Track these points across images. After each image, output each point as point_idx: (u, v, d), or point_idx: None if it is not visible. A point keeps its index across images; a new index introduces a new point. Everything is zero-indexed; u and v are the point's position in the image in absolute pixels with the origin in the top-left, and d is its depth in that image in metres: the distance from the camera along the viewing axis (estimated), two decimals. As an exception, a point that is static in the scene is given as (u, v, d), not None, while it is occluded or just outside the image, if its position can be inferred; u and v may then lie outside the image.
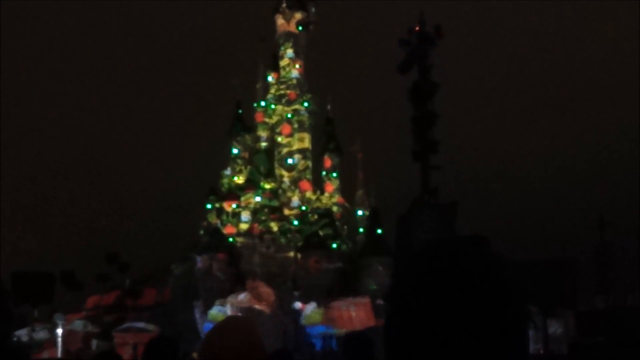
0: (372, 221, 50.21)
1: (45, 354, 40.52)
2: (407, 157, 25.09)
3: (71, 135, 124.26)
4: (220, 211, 52.81)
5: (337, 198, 55.18)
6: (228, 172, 55.52)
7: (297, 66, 57.17)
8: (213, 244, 47.92)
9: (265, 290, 44.77)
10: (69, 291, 46.63)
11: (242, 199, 53.03)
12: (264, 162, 54.73)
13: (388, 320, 1.32)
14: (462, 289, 1.28)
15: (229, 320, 3.29)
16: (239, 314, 40.54)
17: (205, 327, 39.98)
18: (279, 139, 56.32)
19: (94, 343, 42.42)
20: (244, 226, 51.99)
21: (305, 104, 56.00)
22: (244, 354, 2.97)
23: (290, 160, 55.50)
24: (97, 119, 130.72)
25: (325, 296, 45.06)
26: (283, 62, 57.24)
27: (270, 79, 57.53)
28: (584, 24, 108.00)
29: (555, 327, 40.00)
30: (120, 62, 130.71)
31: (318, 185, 55.81)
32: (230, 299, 43.87)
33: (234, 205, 52.74)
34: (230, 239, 49.71)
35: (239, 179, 54.44)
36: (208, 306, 44.01)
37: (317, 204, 53.62)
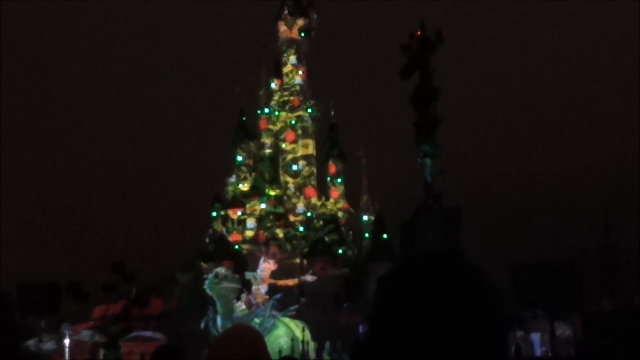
0: (377, 226, 50.16)
1: (52, 365, 40.57)
2: (411, 162, 25.11)
3: (75, 145, 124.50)
4: (225, 219, 52.87)
5: (342, 204, 55.21)
6: (233, 179, 55.59)
7: (300, 72, 57.28)
8: (219, 251, 47.93)
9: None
10: (75, 301, 46.66)
11: (247, 206, 53.08)
12: (269, 169, 54.78)
13: (373, 335, 1.35)
14: (442, 302, 1.31)
15: (233, 329, 3.31)
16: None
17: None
18: (283, 145, 56.40)
19: (101, 353, 42.42)
20: (249, 233, 52.05)
21: (309, 111, 56.10)
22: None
23: (294, 167, 55.57)
24: (100, 129, 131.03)
25: (331, 302, 45.03)
26: (286, 69, 57.33)
27: (273, 85, 57.64)
28: (586, 28, 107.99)
29: (562, 330, 39.92)
30: (122, 71, 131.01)
31: (323, 191, 55.84)
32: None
33: (239, 213, 52.80)
34: (236, 247, 49.74)
35: (244, 187, 54.49)
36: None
37: (322, 210, 53.65)
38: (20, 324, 38.99)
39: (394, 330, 1.32)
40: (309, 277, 47.10)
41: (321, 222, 51.95)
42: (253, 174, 55.03)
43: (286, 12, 57.09)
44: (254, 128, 57.17)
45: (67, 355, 39.08)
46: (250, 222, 52.69)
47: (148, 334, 41.95)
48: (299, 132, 55.93)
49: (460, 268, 1.36)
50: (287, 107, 56.30)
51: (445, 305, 1.31)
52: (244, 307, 42.93)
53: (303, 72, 57.49)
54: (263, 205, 53.05)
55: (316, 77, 59.27)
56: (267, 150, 56.53)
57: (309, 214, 53.18)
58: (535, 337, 42.56)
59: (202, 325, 39.21)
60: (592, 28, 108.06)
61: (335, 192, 55.48)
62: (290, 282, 47.27)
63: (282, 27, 57.47)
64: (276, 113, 56.55)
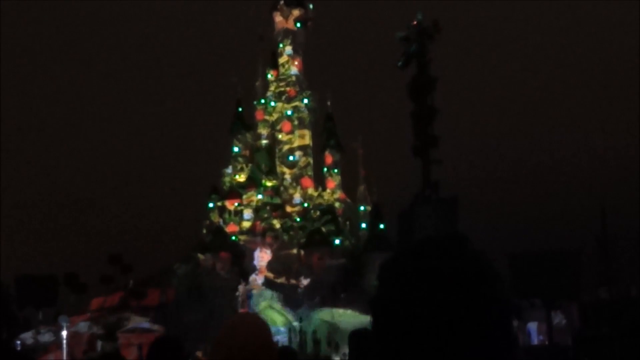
0: (374, 217, 50.16)
1: (50, 357, 40.56)
2: (408, 152, 25.08)
3: (72, 138, 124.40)
4: (222, 210, 52.83)
5: (338, 194, 55.17)
6: (229, 170, 55.53)
7: (296, 63, 57.15)
8: (216, 243, 47.92)
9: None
10: (72, 293, 46.65)
11: (244, 197, 53.04)
12: (265, 160, 54.72)
13: (376, 322, 1.33)
14: (445, 286, 1.29)
15: (239, 318, 3.28)
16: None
17: None
18: (280, 136, 56.32)
19: (99, 344, 42.43)
20: (246, 224, 52.03)
21: (305, 101, 55.99)
22: (255, 353, 2.96)
23: (291, 158, 55.50)
24: (97, 120, 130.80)
25: (329, 293, 45.07)
26: (282, 60, 57.21)
27: (269, 76, 57.51)
28: (585, 18, 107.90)
29: (559, 319, 39.95)
30: (119, 62, 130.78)
31: (319, 181, 55.81)
32: None
33: (236, 204, 52.77)
34: (233, 238, 49.74)
35: (241, 177, 54.44)
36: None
37: (319, 201, 53.62)
38: (18, 316, 39.08)
39: (396, 317, 1.30)
40: (304, 282, 47.09)
41: (318, 213, 51.92)
42: (250, 164, 54.98)
43: (282, 2, 56.94)
44: (251, 119, 57.09)
45: (64, 347, 39.08)
46: (247, 213, 52.65)
47: (146, 325, 42.02)
48: (296, 122, 55.82)
49: (463, 253, 1.33)
50: (283, 98, 56.19)
51: (448, 292, 1.28)
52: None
53: (299, 63, 57.39)
54: (260, 196, 53.02)
55: (312, 68, 59.20)
56: (264, 141, 56.43)
57: (305, 205, 53.15)
58: (532, 326, 42.61)
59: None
60: (591, 18, 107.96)
61: (332, 183, 55.43)
62: (288, 281, 47.34)
63: (278, 18, 57.30)
64: (272, 104, 56.43)
